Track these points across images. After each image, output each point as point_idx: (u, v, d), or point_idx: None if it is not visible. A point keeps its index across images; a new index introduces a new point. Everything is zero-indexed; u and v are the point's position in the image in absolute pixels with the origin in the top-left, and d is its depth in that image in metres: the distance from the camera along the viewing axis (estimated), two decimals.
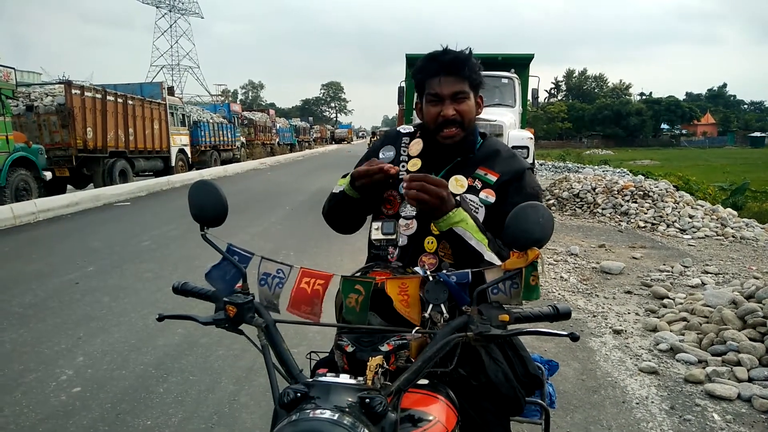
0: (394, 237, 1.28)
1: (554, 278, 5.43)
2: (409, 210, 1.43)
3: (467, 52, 1.41)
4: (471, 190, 1.42)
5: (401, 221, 1.44)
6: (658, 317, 4.23)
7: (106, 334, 3.96)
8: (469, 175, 1.43)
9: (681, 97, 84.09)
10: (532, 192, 1.45)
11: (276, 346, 1.11)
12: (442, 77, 1.39)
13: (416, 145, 1.39)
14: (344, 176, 1.48)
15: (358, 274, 1.33)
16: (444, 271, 1.11)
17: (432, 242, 1.39)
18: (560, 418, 2.77)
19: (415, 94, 1.53)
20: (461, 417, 1.19)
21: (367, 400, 0.90)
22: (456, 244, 1.30)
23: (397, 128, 1.62)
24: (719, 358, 3.36)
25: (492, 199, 1.40)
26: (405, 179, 1.27)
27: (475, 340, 1.02)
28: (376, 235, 1.29)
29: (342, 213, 1.53)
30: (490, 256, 1.26)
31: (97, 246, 7.10)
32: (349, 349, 1.19)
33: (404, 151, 1.52)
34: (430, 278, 1.11)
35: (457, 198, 1.30)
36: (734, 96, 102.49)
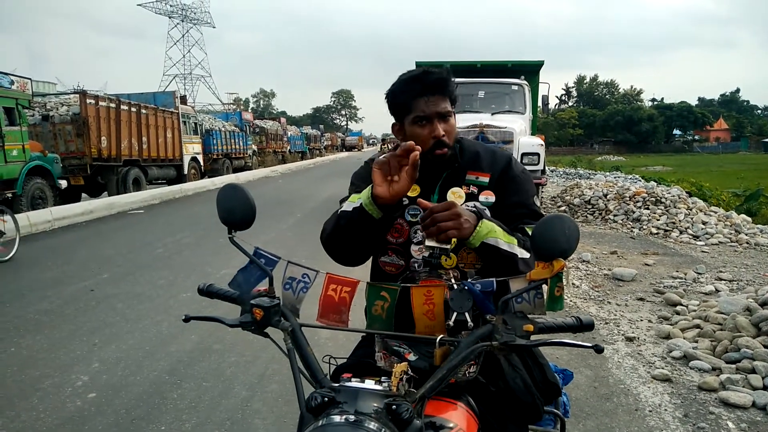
0: (448, 247, 1.24)
1: (566, 285, 5.40)
2: (419, 236, 1.41)
3: (445, 71, 1.41)
4: (469, 197, 1.42)
5: (413, 247, 1.44)
6: (671, 324, 4.20)
7: (121, 340, 4.01)
8: (462, 183, 1.44)
9: (693, 102, 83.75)
10: (522, 176, 1.47)
11: (301, 350, 1.11)
12: (429, 97, 1.38)
13: None
14: (356, 192, 1.39)
15: (400, 281, 1.32)
16: (469, 280, 1.11)
17: (449, 259, 1.38)
18: (573, 425, 2.76)
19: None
20: (481, 424, 1.19)
21: (394, 406, 0.90)
22: (487, 255, 1.26)
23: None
24: (733, 366, 3.32)
25: (492, 198, 1.42)
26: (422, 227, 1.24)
27: (500, 350, 1.02)
28: (431, 242, 1.27)
29: (354, 235, 1.34)
30: (522, 253, 1.25)
31: (111, 253, 7.18)
32: (411, 357, 1.16)
33: None
34: (455, 286, 1.11)
35: (472, 208, 1.29)
36: (747, 101, 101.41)
